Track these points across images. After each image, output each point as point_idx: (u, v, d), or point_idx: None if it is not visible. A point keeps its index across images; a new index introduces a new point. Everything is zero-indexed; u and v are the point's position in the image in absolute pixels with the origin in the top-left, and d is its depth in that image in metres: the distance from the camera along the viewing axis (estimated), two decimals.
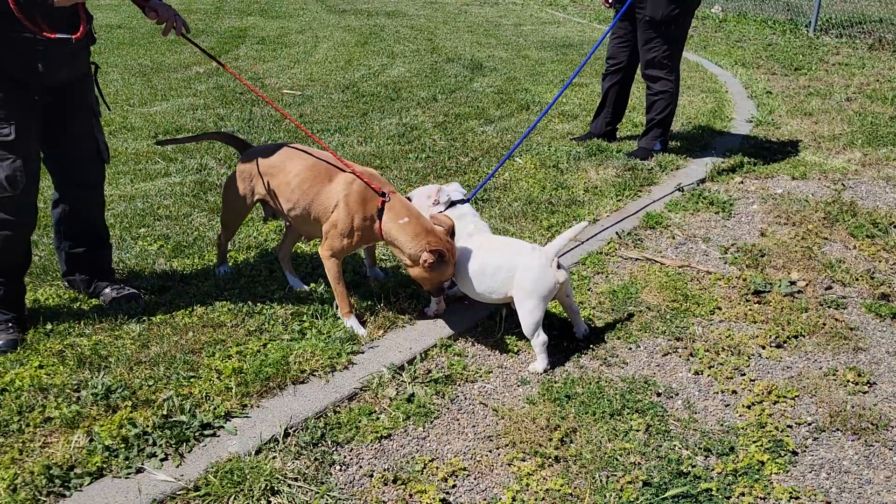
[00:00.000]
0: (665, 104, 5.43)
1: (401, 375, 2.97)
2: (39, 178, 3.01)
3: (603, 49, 5.95)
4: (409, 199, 3.33)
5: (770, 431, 2.70)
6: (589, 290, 3.71)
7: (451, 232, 3.12)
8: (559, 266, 3.03)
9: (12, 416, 2.62)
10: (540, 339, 3.02)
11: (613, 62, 5.67)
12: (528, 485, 2.43)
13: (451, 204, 3.35)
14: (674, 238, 4.33)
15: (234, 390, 2.79)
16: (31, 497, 2.29)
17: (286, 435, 2.61)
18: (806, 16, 11.69)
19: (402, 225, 3.06)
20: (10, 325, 3.08)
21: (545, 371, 3.04)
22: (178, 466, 2.44)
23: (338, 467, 2.51)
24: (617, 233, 4.31)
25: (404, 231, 3.05)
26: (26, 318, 3.18)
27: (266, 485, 2.36)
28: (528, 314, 3.01)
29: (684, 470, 2.50)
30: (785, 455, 2.59)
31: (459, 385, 2.96)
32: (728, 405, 2.88)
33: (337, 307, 3.30)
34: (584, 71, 8.43)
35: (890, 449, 2.65)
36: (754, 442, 2.64)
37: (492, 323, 3.37)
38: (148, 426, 2.57)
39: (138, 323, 3.23)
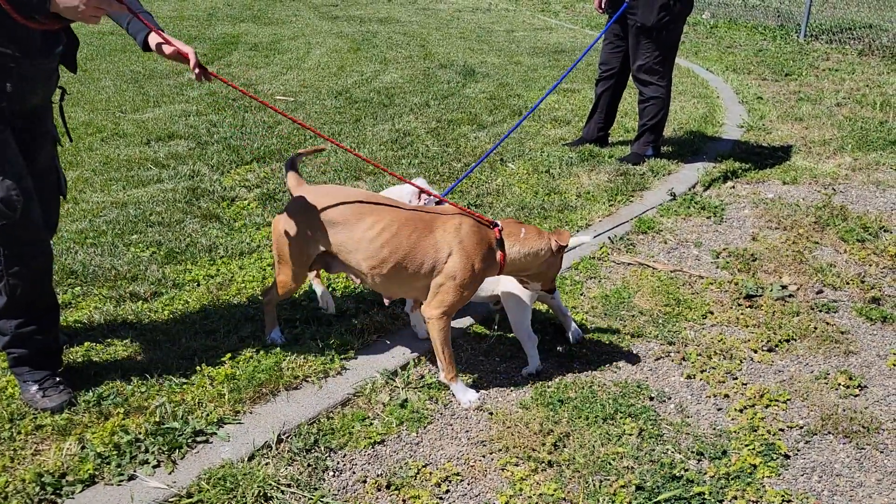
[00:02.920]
0: (656, 109, 5.46)
1: (394, 381, 2.97)
2: (34, 196, 2.58)
3: (595, 55, 5.97)
4: None
5: (762, 435, 2.71)
6: (581, 294, 3.72)
7: None
8: None
9: (3, 424, 2.61)
10: (529, 338, 3.04)
11: (606, 67, 5.70)
12: (521, 489, 2.44)
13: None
14: (666, 243, 4.34)
15: (226, 396, 2.79)
16: None
17: (279, 441, 2.60)
18: (796, 22, 11.76)
19: (524, 239, 2.83)
20: (59, 380, 2.74)
21: (538, 372, 3.05)
22: (170, 473, 2.44)
23: (331, 473, 2.50)
24: (609, 238, 4.33)
25: (528, 243, 2.84)
26: (65, 372, 2.84)
27: (259, 491, 2.36)
28: (516, 312, 3.04)
29: (677, 474, 2.50)
30: (777, 458, 2.60)
31: None
32: (720, 409, 2.89)
33: (437, 368, 3.01)
34: (575, 77, 8.45)
35: (881, 452, 2.66)
36: (746, 445, 2.65)
37: (484, 328, 3.38)
38: (140, 433, 2.57)
39: (130, 329, 3.22)
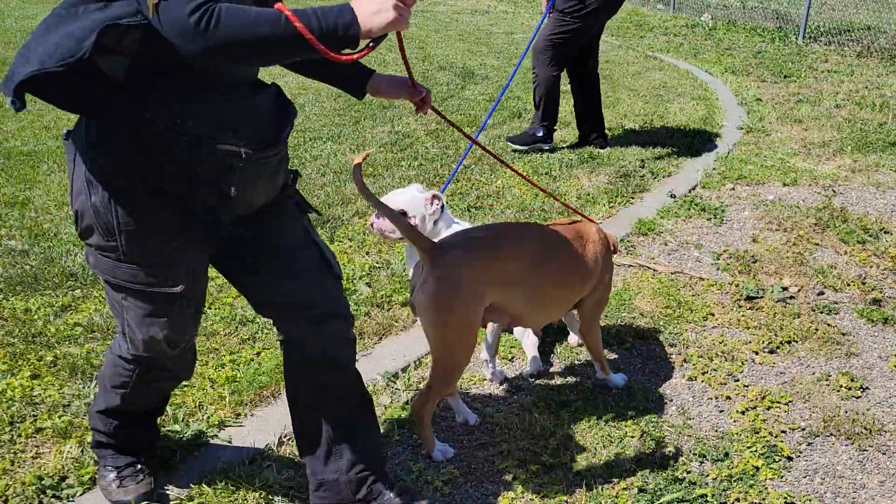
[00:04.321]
0: (540, 91, 5.69)
1: (395, 383, 2.96)
2: (196, 328, 2.23)
3: None
4: (403, 212, 3.05)
5: (764, 437, 2.71)
6: None
7: None
8: None
9: (3, 427, 2.61)
10: (530, 339, 3.04)
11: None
12: (523, 493, 2.43)
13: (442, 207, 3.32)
14: (666, 244, 4.34)
15: (227, 399, 2.78)
16: None
17: (280, 444, 2.60)
18: (795, 24, 11.78)
19: (613, 239, 2.97)
20: (140, 467, 2.34)
21: (539, 374, 3.04)
22: (170, 477, 2.43)
23: None
24: None
25: (612, 241, 2.98)
26: (155, 459, 2.46)
27: (260, 494, 2.35)
28: None
29: (679, 476, 2.50)
30: (779, 460, 2.60)
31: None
32: (722, 411, 2.89)
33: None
34: None
35: (883, 453, 2.66)
36: (749, 447, 2.65)
37: (484, 330, 3.37)
38: None
39: None
